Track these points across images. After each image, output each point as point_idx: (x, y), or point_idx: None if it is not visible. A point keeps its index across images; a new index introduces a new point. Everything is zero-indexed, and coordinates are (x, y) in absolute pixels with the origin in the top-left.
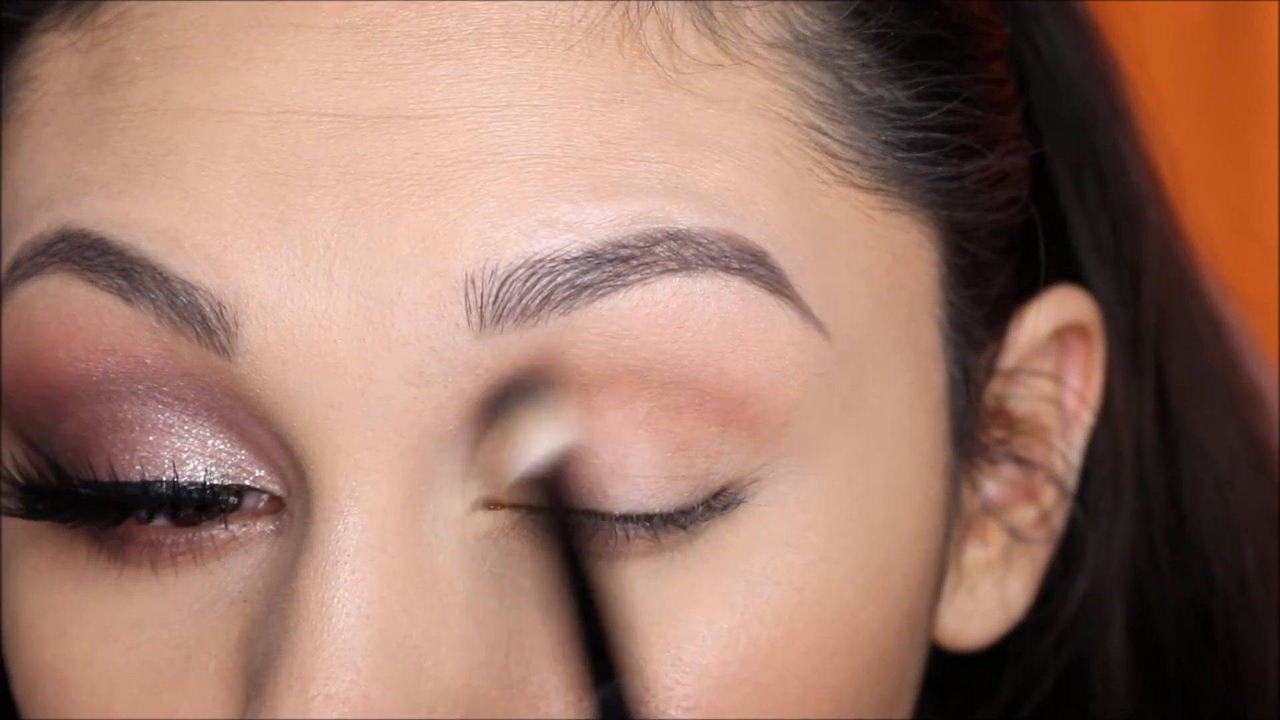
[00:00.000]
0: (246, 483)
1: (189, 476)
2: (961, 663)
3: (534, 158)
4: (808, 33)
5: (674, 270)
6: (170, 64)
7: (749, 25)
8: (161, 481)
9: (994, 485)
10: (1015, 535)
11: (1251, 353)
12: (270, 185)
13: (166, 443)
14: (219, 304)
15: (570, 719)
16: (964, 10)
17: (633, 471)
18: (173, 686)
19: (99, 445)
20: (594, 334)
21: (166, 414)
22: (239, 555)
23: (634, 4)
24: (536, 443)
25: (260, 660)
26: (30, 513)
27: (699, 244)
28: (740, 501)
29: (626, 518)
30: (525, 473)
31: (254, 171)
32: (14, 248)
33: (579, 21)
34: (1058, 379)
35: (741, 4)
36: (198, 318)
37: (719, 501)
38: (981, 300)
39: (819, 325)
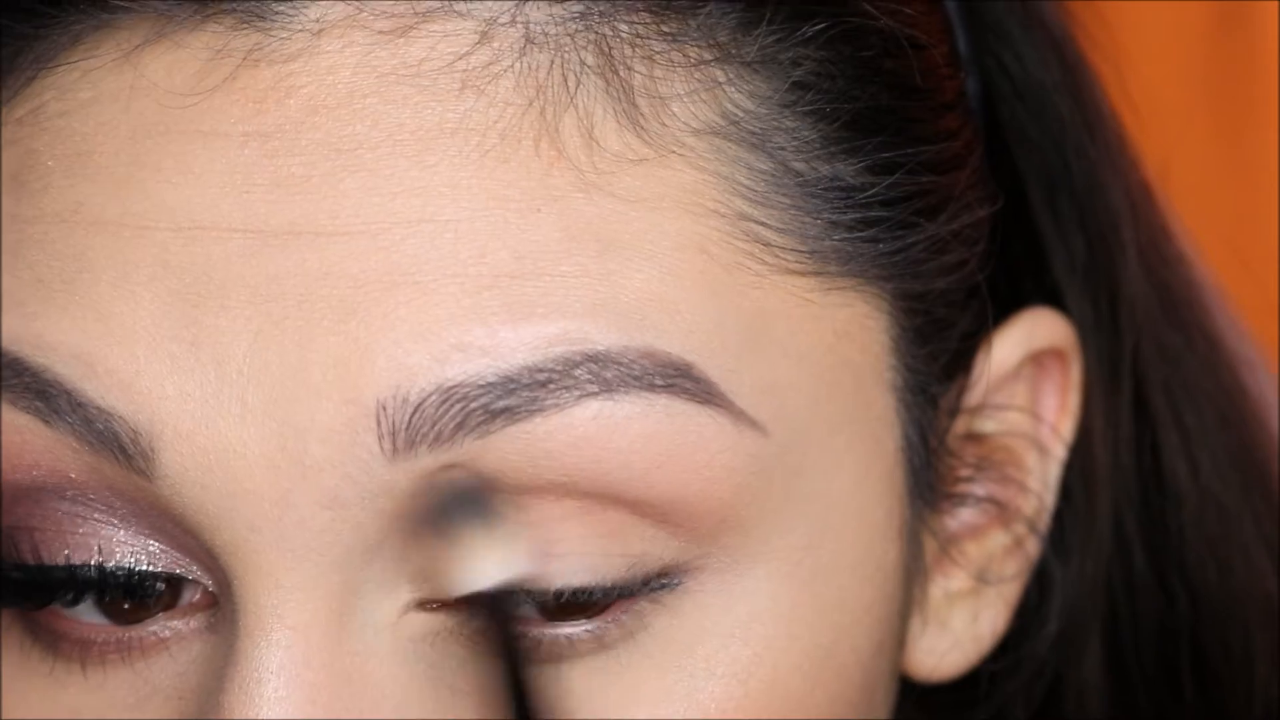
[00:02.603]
0: (178, 572)
1: (117, 563)
2: (935, 695)
3: (446, 277)
4: (740, 113)
5: (594, 394)
6: (81, 172)
7: (674, 112)
8: (89, 566)
9: (962, 518)
10: (986, 566)
11: (1252, 369)
12: (183, 306)
13: (97, 533)
14: (134, 431)
15: None
16: (909, 73)
17: (567, 549)
18: None
19: (28, 534)
20: (512, 454)
21: (98, 515)
22: (166, 656)
23: (551, 102)
24: (483, 560)
25: None
26: None
27: (619, 364)
28: (680, 585)
29: (569, 607)
30: (472, 592)
31: (166, 291)
32: None
33: (494, 124)
34: (1031, 408)
35: (668, 91)
36: (115, 444)
37: (659, 582)
38: (939, 354)
39: (753, 424)
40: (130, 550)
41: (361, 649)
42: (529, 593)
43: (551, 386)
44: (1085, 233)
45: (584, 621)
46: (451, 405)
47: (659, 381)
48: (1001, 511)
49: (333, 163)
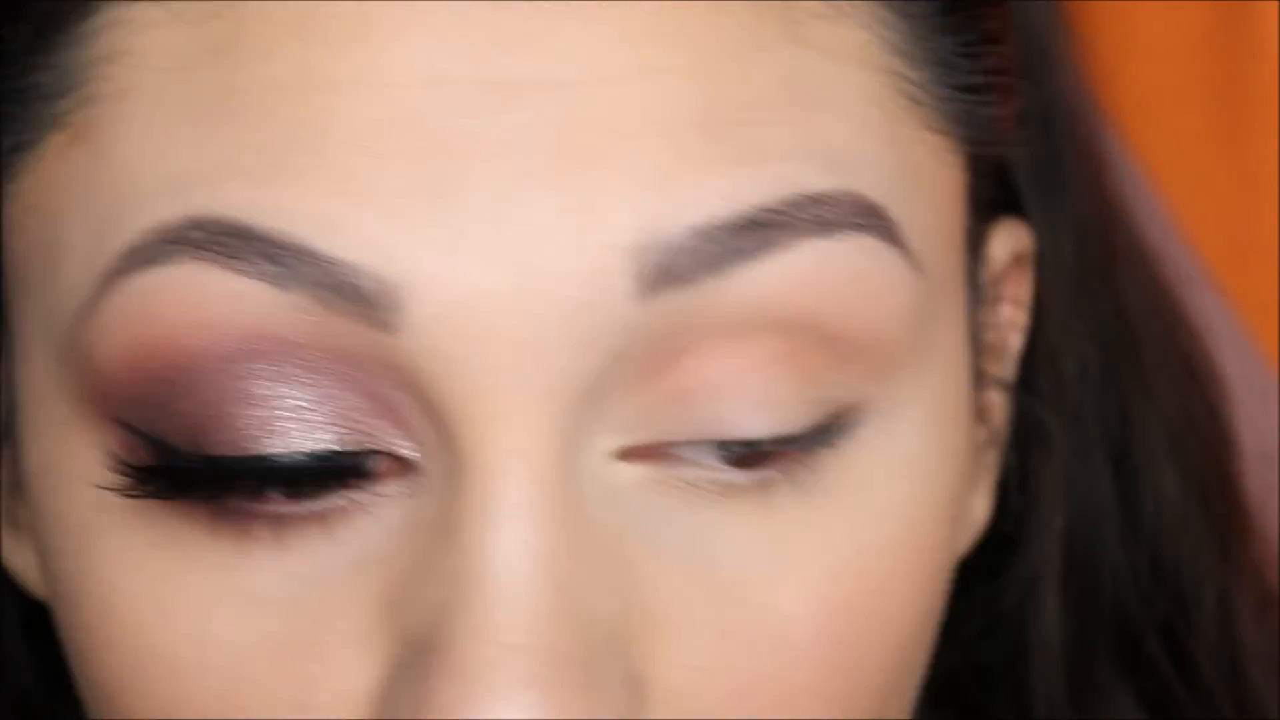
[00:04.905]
0: (371, 447)
1: (312, 447)
2: None
3: (686, 122)
4: None
5: (816, 233)
6: (308, 35)
7: None
8: (282, 455)
9: None
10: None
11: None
12: (428, 161)
13: (295, 416)
14: (382, 283)
15: None
16: None
17: (775, 399)
18: (306, 654)
19: (220, 421)
20: (738, 294)
21: (298, 389)
22: (365, 519)
23: None
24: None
25: (421, 617)
26: (138, 492)
27: (834, 205)
28: (858, 424)
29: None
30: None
31: (410, 148)
32: (128, 234)
33: None
34: (1017, 305)
35: None
36: (360, 298)
37: (845, 419)
38: (978, 229)
39: (918, 267)
40: (327, 432)
41: (582, 491)
42: (742, 442)
43: (780, 225)
44: (1050, 140)
45: (756, 469)
46: (704, 246)
47: (863, 221)
48: (982, 402)
49: (576, 17)
